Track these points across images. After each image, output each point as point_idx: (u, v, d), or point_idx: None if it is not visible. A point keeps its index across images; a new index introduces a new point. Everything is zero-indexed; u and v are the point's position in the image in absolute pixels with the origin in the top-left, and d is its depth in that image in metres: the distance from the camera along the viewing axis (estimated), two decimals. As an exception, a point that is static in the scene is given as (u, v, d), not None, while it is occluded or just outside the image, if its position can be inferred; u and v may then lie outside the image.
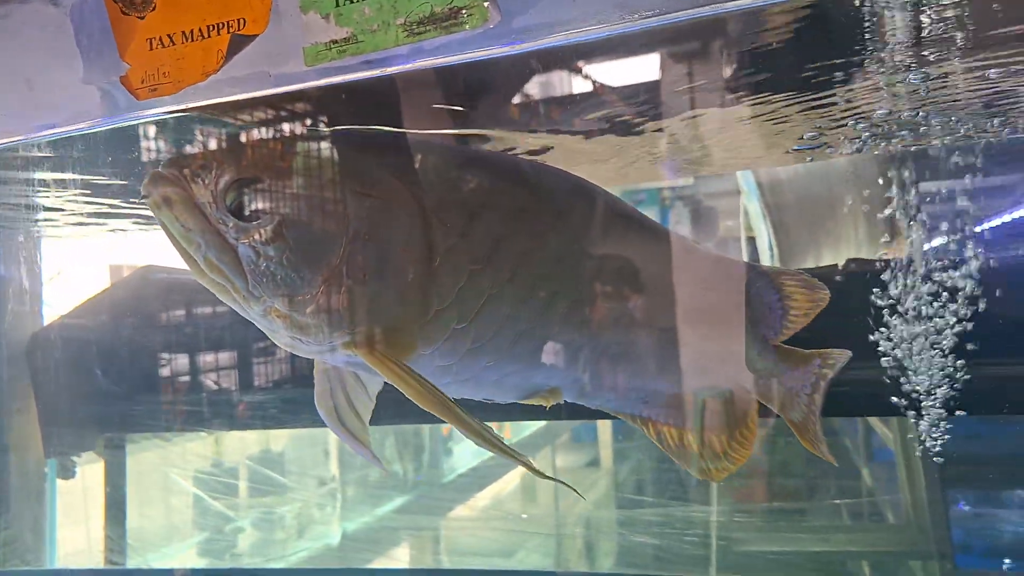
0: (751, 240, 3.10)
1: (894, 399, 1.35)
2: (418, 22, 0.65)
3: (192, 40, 0.74)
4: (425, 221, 0.78)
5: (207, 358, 1.71)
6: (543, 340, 0.92)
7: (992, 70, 0.92)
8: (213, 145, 0.75)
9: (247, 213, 0.72)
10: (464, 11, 0.64)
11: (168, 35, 0.75)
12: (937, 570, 2.40)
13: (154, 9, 0.75)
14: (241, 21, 0.71)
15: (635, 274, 0.97)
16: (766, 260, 2.97)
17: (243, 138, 0.80)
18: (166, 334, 1.72)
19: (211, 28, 0.73)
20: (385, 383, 0.90)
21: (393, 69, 0.67)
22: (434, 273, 0.79)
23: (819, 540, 2.72)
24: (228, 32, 0.72)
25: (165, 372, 1.72)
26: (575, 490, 1.01)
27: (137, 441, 2.00)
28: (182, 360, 1.72)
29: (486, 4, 0.63)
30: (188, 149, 0.73)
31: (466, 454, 3.99)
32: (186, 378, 1.72)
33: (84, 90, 0.79)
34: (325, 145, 0.79)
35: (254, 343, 1.71)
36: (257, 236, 0.72)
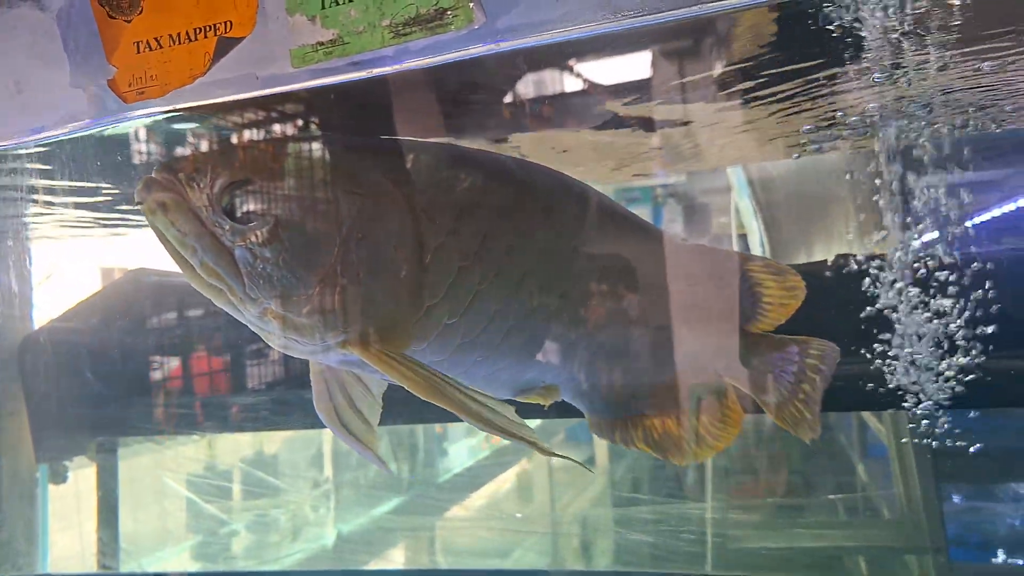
0: (742, 237, 3.12)
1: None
2: (404, 23, 0.66)
3: (179, 43, 0.74)
4: (416, 218, 0.79)
5: (200, 360, 1.71)
6: (532, 335, 0.93)
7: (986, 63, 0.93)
8: (205, 148, 0.75)
9: (242, 215, 0.72)
10: (449, 12, 0.64)
11: (155, 38, 0.75)
12: (931, 565, 2.41)
13: (141, 12, 0.75)
14: (227, 24, 0.71)
15: (617, 267, 0.99)
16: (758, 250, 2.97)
17: (235, 140, 0.80)
18: (158, 337, 1.72)
19: (197, 31, 0.73)
20: (389, 384, 0.92)
21: (380, 70, 0.67)
22: (425, 269, 0.80)
23: (814, 536, 2.72)
24: (214, 35, 0.72)
25: (158, 375, 1.72)
26: (587, 467, 1.02)
27: (129, 444, 1.99)
28: (175, 363, 1.72)
29: (471, 5, 0.64)
30: (180, 152, 0.73)
31: (461, 453, 3.98)
32: (179, 381, 1.72)
33: (72, 93, 0.79)
34: (317, 146, 0.79)
35: (247, 345, 1.70)
36: (253, 238, 0.72)
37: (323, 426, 0.91)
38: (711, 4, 0.59)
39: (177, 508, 2.72)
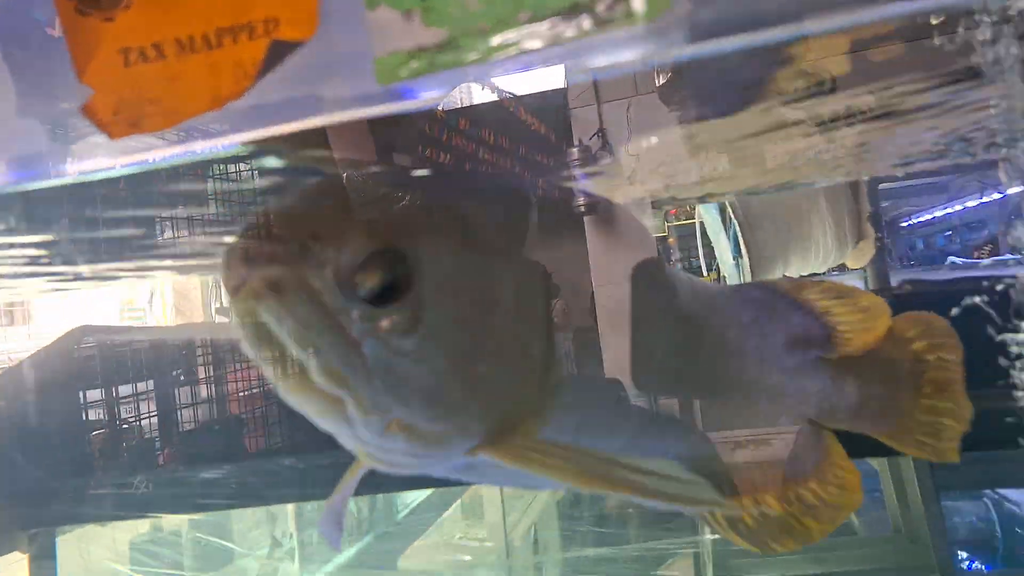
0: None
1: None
2: (554, 16, 0.45)
3: (193, 51, 0.50)
4: (548, 282, 0.61)
5: (155, 430, 1.44)
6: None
7: None
8: (307, 199, 0.51)
9: (378, 296, 0.49)
10: (631, -1, 0.44)
11: (153, 44, 0.51)
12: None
13: (128, 8, 0.52)
14: (271, 23, 0.49)
15: (719, 317, 0.87)
16: (729, 265, 2.90)
17: (344, 186, 0.54)
18: (102, 407, 1.44)
19: (223, 33, 0.50)
20: None
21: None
22: (552, 339, 0.61)
23: (812, 560, 2.61)
24: (250, 39, 0.49)
25: (104, 451, 1.43)
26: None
27: (66, 530, 1.69)
28: (126, 435, 1.44)
29: (665, -12, 0.43)
30: (270, 206, 0.49)
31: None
32: (131, 456, 1.44)
33: (22, 127, 0.55)
34: (447, 194, 0.57)
35: (203, 416, 1.45)
36: (390, 325, 0.50)
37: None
38: None
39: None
